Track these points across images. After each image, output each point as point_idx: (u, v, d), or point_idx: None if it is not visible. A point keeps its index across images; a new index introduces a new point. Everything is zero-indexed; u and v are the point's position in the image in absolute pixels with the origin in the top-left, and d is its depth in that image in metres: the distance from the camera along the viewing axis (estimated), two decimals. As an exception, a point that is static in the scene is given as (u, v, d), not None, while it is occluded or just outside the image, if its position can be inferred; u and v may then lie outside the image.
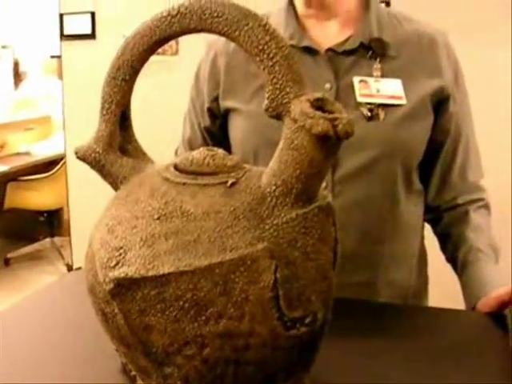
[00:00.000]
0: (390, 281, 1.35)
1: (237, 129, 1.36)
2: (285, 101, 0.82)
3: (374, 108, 1.27)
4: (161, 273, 0.77)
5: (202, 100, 1.40)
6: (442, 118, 1.34)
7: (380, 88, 1.28)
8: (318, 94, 0.83)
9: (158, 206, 0.82)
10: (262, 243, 0.79)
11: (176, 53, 2.87)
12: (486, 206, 1.41)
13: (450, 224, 1.40)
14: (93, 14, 2.91)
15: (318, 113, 0.79)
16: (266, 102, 0.83)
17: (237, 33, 0.84)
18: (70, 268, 4.47)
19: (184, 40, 2.86)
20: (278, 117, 0.83)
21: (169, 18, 0.89)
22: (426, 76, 1.31)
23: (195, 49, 2.85)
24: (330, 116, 0.79)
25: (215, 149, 0.90)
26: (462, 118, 1.37)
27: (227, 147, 1.39)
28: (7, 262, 4.87)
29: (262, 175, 0.85)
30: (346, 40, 1.31)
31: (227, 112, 1.37)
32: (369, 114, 1.27)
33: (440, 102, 1.32)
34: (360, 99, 1.28)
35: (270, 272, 0.78)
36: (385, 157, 1.27)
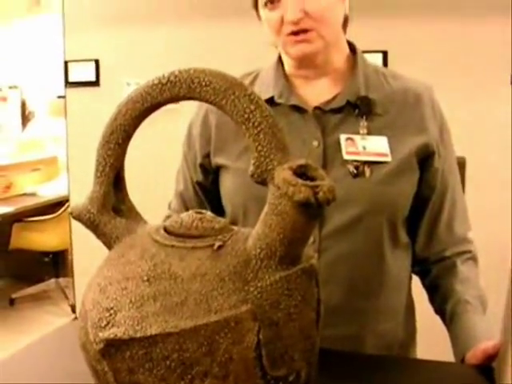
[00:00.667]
0: (377, 333, 1.37)
1: (226, 185, 1.39)
2: (269, 167, 0.86)
3: (360, 165, 1.30)
4: (148, 334, 0.80)
5: (195, 156, 1.44)
6: (427, 174, 1.37)
7: (366, 145, 1.31)
8: (301, 161, 0.86)
9: (148, 267, 0.86)
10: (246, 305, 0.82)
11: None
12: (474, 258, 1.44)
13: (439, 276, 1.42)
14: (97, 62, 2.98)
15: (300, 181, 0.82)
16: (251, 167, 0.87)
17: (224, 101, 0.88)
18: (74, 309, 4.49)
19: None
20: (263, 182, 0.87)
21: (159, 85, 0.93)
22: (411, 133, 1.34)
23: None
24: (312, 184, 0.82)
25: (204, 211, 0.94)
26: (447, 172, 1.40)
27: (219, 201, 1.43)
28: (12, 302, 4.90)
29: (248, 238, 0.88)
30: (334, 98, 1.35)
31: (218, 168, 1.41)
32: (355, 171, 1.30)
33: (425, 158, 1.35)
34: (346, 157, 1.31)
35: (253, 333, 0.81)
36: (371, 213, 1.30)
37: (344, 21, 1.37)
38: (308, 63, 1.35)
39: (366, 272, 1.33)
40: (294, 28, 1.27)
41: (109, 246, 0.99)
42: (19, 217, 4.67)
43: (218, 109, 0.90)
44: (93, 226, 0.99)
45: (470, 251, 1.43)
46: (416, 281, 1.48)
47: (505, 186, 2.51)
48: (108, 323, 0.83)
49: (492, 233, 2.13)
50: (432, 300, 1.44)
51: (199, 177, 1.45)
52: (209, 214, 0.93)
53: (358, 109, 1.33)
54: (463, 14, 2.59)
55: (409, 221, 1.39)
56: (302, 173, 0.86)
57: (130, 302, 0.83)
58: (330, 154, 1.31)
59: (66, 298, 4.78)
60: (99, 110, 3.01)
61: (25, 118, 6.18)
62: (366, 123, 1.33)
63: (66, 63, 3.00)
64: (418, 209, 1.38)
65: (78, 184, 3.13)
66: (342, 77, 1.37)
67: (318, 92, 1.36)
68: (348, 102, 1.33)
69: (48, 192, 4.96)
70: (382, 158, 1.31)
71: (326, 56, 1.34)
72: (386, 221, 1.32)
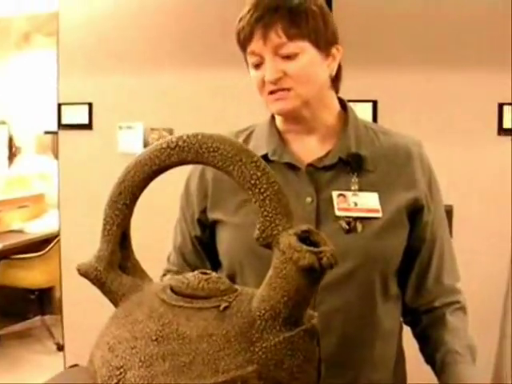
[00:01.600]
0: (372, 382, 1.40)
1: (223, 240, 1.43)
2: (274, 232, 0.90)
3: (352, 221, 1.34)
4: (158, 394, 0.83)
5: (193, 211, 1.47)
6: (417, 227, 1.41)
7: (357, 202, 1.35)
8: (304, 227, 0.91)
9: (156, 327, 0.89)
10: (252, 366, 0.85)
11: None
12: (462, 308, 1.47)
13: (428, 327, 1.45)
14: (90, 105, 3.02)
15: (305, 247, 0.86)
16: (256, 232, 0.91)
17: (231, 167, 0.92)
18: (59, 347, 4.47)
19: (178, 133, 2.97)
20: (268, 246, 0.91)
21: (168, 149, 0.96)
22: (401, 189, 1.39)
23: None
24: (316, 250, 0.86)
25: (209, 272, 0.97)
26: (436, 225, 1.44)
27: (217, 255, 1.46)
28: (-3, 339, 4.87)
29: (253, 299, 0.92)
30: (326, 155, 1.39)
31: (214, 223, 1.44)
32: (347, 226, 1.34)
33: (415, 212, 1.40)
34: (338, 213, 1.35)
35: (258, 393, 0.84)
36: (364, 267, 1.34)
37: (335, 79, 1.42)
38: (293, 119, 1.40)
39: (359, 323, 1.36)
40: (274, 87, 1.33)
41: (115, 303, 1.01)
42: (6, 254, 4.66)
43: (225, 174, 0.94)
44: (99, 283, 1.01)
45: (458, 301, 1.47)
46: (408, 330, 1.51)
47: (491, 235, 2.57)
48: (118, 382, 0.86)
49: (481, 277, 2.17)
50: (422, 350, 1.48)
51: (197, 231, 1.47)
52: (214, 274, 0.97)
53: (350, 165, 1.38)
54: (452, 65, 2.66)
55: (398, 272, 1.42)
56: (305, 237, 0.90)
57: (140, 361, 0.86)
58: (322, 210, 1.35)
59: (52, 336, 4.76)
60: (91, 153, 3.05)
61: (11, 154, 6.18)
62: (357, 179, 1.37)
63: (59, 106, 3.04)
64: (408, 261, 1.42)
65: (68, 223, 3.14)
66: (333, 133, 1.41)
67: (310, 148, 1.41)
68: (340, 159, 1.38)
69: (35, 229, 4.96)
70: (373, 214, 1.35)
71: (312, 112, 1.38)
72: (378, 274, 1.36)
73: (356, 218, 1.34)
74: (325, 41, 1.34)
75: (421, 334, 1.48)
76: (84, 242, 3.11)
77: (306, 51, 1.32)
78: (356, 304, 1.34)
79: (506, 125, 2.60)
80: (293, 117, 1.38)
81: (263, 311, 0.89)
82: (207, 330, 0.87)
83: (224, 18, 2.87)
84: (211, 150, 0.93)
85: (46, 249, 4.67)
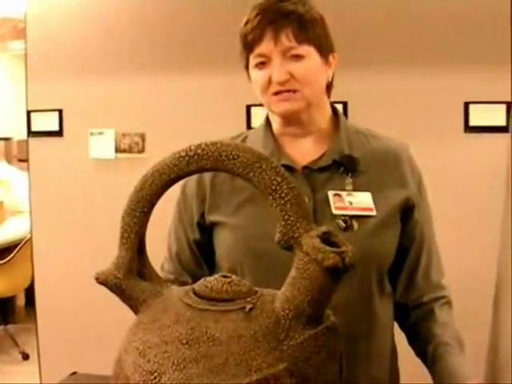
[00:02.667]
0: (369, 376, 1.45)
1: (222, 241, 1.46)
2: (296, 235, 0.94)
3: (348, 219, 1.40)
4: (195, 394, 0.86)
5: (191, 215, 1.49)
6: (408, 225, 1.47)
7: (352, 201, 1.41)
8: (324, 229, 0.95)
9: (185, 331, 0.92)
10: (283, 363, 0.89)
11: (142, 151, 2.98)
12: (449, 303, 1.54)
13: (418, 321, 1.51)
14: (60, 112, 3.01)
15: (328, 248, 0.90)
16: (277, 235, 0.95)
17: (251, 174, 0.96)
18: (25, 356, 4.44)
19: (150, 138, 2.99)
20: (289, 248, 0.95)
21: (186, 158, 0.99)
22: (393, 188, 1.45)
23: (161, 147, 2.99)
24: (338, 250, 0.91)
25: (229, 275, 1.01)
26: (424, 224, 1.50)
27: (213, 258, 1.49)
28: (-41, 350, 4.79)
29: (275, 299, 0.95)
30: (320, 157, 1.44)
31: (212, 225, 1.47)
32: (344, 225, 1.39)
33: (406, 211, 1.46)
34: (335, 212, 1.40)
35: (290, 389, 0.88)
36: (361, 264, 1.37)
37: (328, 87, 1.47)
38: (293, 121, 1.44)
39: (358, 319, 1.41)
40: (280, 88, 1.38)
41: (135, 310, 1.04)
42: (-35, 264, 4.58)
43: (245, 181, 0.97)
44: (119, 290, 1.03)
45: (445, 296, 1.53)
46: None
47: (459, 231, 2.66)
48: (153, 386, 0.89)
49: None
50: (412, 343, 1.53)
51: (197, 235, 1.49)
52: (234, 277, 1.00)
53: (344, 167, 1.43)
54: (421, 66, 2.73)
55: (389, 270, 1.48)
56: (325, 239, 0.94)
57: (173, 364, 0.89)
58: (319, 210, 1.39)
59: (17, 345, 4.70)
60: (62, 160, 3.04)
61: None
62: (351, 180, 1.43)
63: (28, 113, 3.02)
64: (398, 258, 1.48)
65: (40, 230, 3.12)
66: (325, 136, 1.47)
67: (305, 151, 1.45)
68: (334, 161, 1.43)
69: (-6, 238, 4.89)
70: (367, 213, 1.41)
71: (310, 115, 1.44)
72: (374, 271, 1.41)
73: (352, 217, 1.39)
74: (326, 47, 1.42)
75: (410, 329, 1.53)
76: (56, 248, 3.12)
77: (312, 55, 1.38)
78: (354, 301, 1.39)
79: (472, 122, 2.70)
80: (293, 118, 1.43)
81: (287, 311, 0.93)
82: (236, 331, 0.91)
83: (196, 23, 2.91)
84: (231, 157, 0.96)
85: (8, 257, 4.61)
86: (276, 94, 1.38)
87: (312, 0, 1.43)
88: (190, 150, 0.99)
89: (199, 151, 0.98)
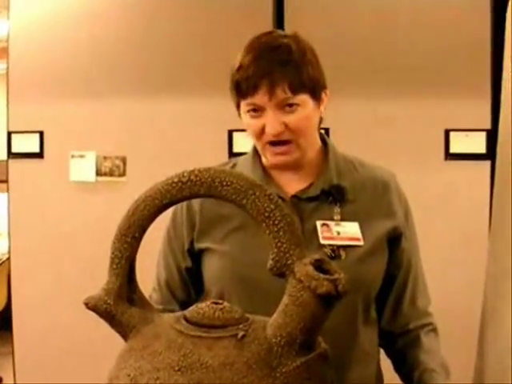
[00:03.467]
0: None
1: (211, 268, 1.45)
2: (289, 262, 0.94)
3: (336, 249, 1.40)
4: (186, 422, 0.86)
5: (182, 242, 1.48)
6: (395, 254, 1.48)
7: (340, 231, 1.41)
8: (317, 256, 0.95)
9: (177, 358, 0.91)
10: (275, 391, 0.89)
11: (123, 174, 2.98)
12: (434, 330, 1.55)
13: (404, 348, 1.52)
14: (41, 134, 2.99)
15: (322, 275, 0.91)
16: (270, 262, 0.95)
17: (244, 201, 0.96)
18: (-1, 380, 4.38)
19: (131, 162, 2.99)
20: (282, 275, 0.95)
21: (179, 184, 0.99)
22: (381, 218, 1.45)
23: (142, 170, 3.00)
24: (332, 277, 0.91)
25: (220, 301, 1.01)
26: (411, 252, 1.52)
27: (201, 285, 1.48)
28: None
29: (266, 326, 0.95)
30: (309, 187, 1.44)
31: (201, 252, 1.47)
32: (332, 254, 1.40)
33: (393, 240, 1.47)
34: (323, 241, 1.40)
35: (283, 417, 0.88)
36: (348, 292, 1.39)
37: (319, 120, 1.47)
38: (286, 165, 1.44)
39: (341, 347, 1.41)
40: (274, 139, 1.37)
41: (125, 336, 1.03)
42: None
43: (238, 207, 0.97)
44: (109, 316, 1.03)
45: (431, 323, 1.54)
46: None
47: (439, 258, 2.68)
48: (144, 413, 0.88)
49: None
50: (398, 370, 1.54)
51: (188, 263, 1.48)
52: (226, 304, 1.00)
53: (332, 196, 1.44)
54: (402, 94, 2.77)
55: (375, 297, 1.48)
56: (318, 266, 0.95)
57: (165, 391, 0.88)
58: (307, 239, 1.39)
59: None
60: (43, 182, 3.02)
61: None
62: (339, 209, 1.43)
63: (9, 134, 3.00)
64: (384, 285, 1.48)
65: (19, 253, 3.09)
66: (315, 167, 1.47)
67: (293, 181, 1.45)
68: (322, 190, 1.43)
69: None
70: (355, 242, 1.41)
71: (303, 154, 1.43)
72: (361, 299, 1.42)
73: (339, 246, 1.39)
74: (319, 88, 1.40)
75: (396, 355, 1.54)
76: (34, 271, 3.09)
77: (306, 103, 1.37)
78: (340, 328, 1.39)
79: (453, 150, 2.73)
80: (286, 166, 1.43)
81: (279, 338, 0.93)
82: (228, 358, 0.91)
83: (178, 47, 2.92)
84: (224, 184, 0.97)
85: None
86: (270, 144, 1.38)
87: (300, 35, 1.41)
88: (183, 176, 0.99)
89: (192, 177, 0.99)
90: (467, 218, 2.72)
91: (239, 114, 1.44)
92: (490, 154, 2.64)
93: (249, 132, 1.41)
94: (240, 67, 1.36)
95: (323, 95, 1.43)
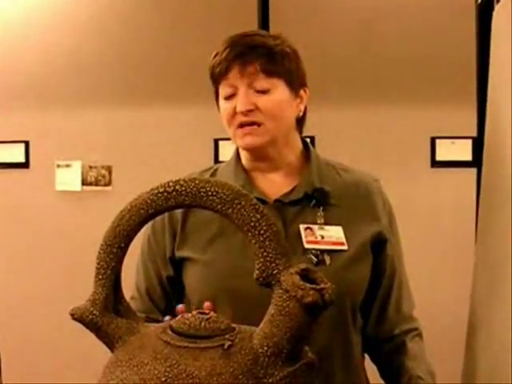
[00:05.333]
0: None
1: (193, 277, 1.43)
2: (275, 272, 0.94)
3: (320, 254, 1.40)
4: (172, 434, 0.85)
5: (163, 250, 1.46)
6: (379, 259, 1.47)
7: (324, 235, 1.41)
8: (303, 265, 0.95)
9: (164, 369, 0.91)
10: (262, 401, 0.89)
11: (109, 183, 2.97)
12: (420, 335, 1.54)
13: (390, 354, 1.51)
14: (27, 143, 2.98)
15: (308, 285, 0.91)
16: (256, 272, 0.95)
17: (230, 210, 0.96)
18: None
19: (117, 171, 2.98)
20: (268, 285, 0.95)
21: (165, 194, 0.99)
22: (365, 222, 1.45)
23: (128, 180, 2.99)
24: (318, 287, 0.91)
25: (207, 311, 1.00)
26: (395, 257, 1.51)
27: (180, 293, 1.46)
28: None
29: (253, 336, 0.95)
30: (291, 191, 1.44)
31: (182, 261, 1.45)
32: (315, 259, 1.40)
33: (377, 245, 1.46)
34: (306, 246, 1.40)
35: (269, 428, 0.88)
36: (335, 299, 1.38)
37: (299, 121, 1.47)
38: (259, 156, 1.44)
39: (334, 354, 1.40)
40: (244, 119, 1.37)
41: (111, 347, 1.02)
42: None
43: (224, 217, 0.97)
44: (95, 327, 1.02)
45: (416, 328, 1.53)
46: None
47: (423, 266, 2.68)
48: (131, 425, 0.88)
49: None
50: (384, 376, 1.53)
51: (169, 271, 1.46)
52: (212, 314, 1.00)
53: (315, 200, 1.43)
54: (388, 102, 2.78)
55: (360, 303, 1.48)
56: (304, 275, 0.94)
57: (152, 403, 0.88)
58: (291, 244, 1.38)
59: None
60: (28, 192, 3.00)
61: None
62: (322, 213, 1.43)
63: (-6, 144, 3.00)
64: (369, 291, 1.48)
65: (4, 265, 3.07)
66: (296, 171, 1.47)
67: (275, 185, 1.45)
68: (305, 194, 1.43)
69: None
70: (339, 247, 1.41)
71: (277, 150, 1.43)
72: (348, 306, 1.41)
73: (323, 251, 1.39)
74: (296, 81, 1.41)
75: (382, 361, 1.53)
76: (19, 281, 3.06)
77: (279, 88, 1.38)
78: (330, 336, 1.38)
79: (439, 157, 2.74)
80: (260, 152, 1.43)
81: (266, 348, 0.93)
82: (215, 369, 0.91)
83: (163, 55, 2.92)
84: (209, 193, 0.97)
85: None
86: (241, 126, 1.38)
87: (283, 36, 1.43)
88: (169, 186, 0.99)
89: (177, 187, 0.99)
90: (453, 224, 2.73)
91: (219, 109, 1.44)
92: (476, 161, 2.65)
93: (223, 120, 1.41)
94: (216, 54, 1.39)
95: (302, 92, 1.43)
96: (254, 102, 1.36)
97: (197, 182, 0.98)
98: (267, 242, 0.95)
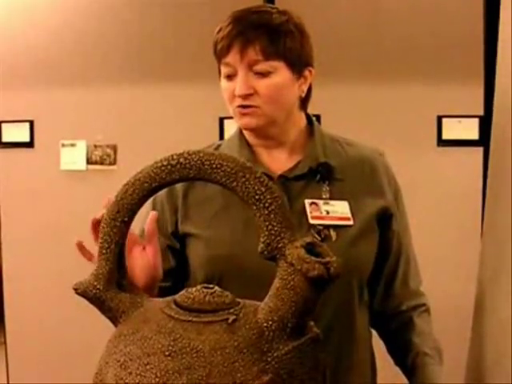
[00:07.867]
0: None
1: (197, 254, 1.42)
2: (280, 245, 0.93)
3: (325, 230, 1.39)
4: (177, 407, 0.85)
5: (165, 226, 1.44)
6: (385, 235, 1.47)
7: (329, 210, 1.40)
8: (308, 239, 0.94)
9: (168, 343, 0.90)
10: (267, 375, 0.88)
11: (114, 162, 2.96)
12: (427, 310, 1.54)
13: (397, 330, 1.51)
14: (31, 123, 2.98)
15: (313, 258, 0.90)
16: (261, 245, 0.94)
17: (234, 183, 0.95)
18: None
19: (122, 150, 2.97)
20: (273, 259, 0.94)
21: (169, 167, 0.98)
22: (370, 197, 1.44)
23: (133, 159, 2.98)
24: (324, 260, 0.90)
25: (211, 286, 0.99)
26: (402, 232, 1.50)
27: (187, 266, 1.45)
28: None
29: (257, 310, 0.94)
30: (296, 165, 1.43)
31: (185, 236, 1.44)
32: (321, 235, 1.38)
33: (383, 220, 1.45)
34: (312, 221, 1.39)
35: (274, 401, 0.87)
36: (342, 274, 1.38)
37: (305, 99, 1.46)
38: (260, 134, 1.43)
39: (340, 329, 1.40)
40: (242, 102, 1.36)
41: (115, 321, 1.02)
42: None
43: (229, 190, 0.96)
44: (99, 301, 1.02)
45: (423, 304, 1.53)
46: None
47: (431, 244, 2.67)
48: (135, 398, 0.87)
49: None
50: (391, 352, 1.53)
51: (175, 244, 1.46)
52: (217, 288, 0.99)
53: (320, 174, 1.42)
54: (394, 80, 2.76)
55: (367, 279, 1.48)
56: (309, 249, 0.93)
57: (156, 376, 0.87)
58: (296, 219, 1.37)
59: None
60: (33, 171, 3.00)
61: None
62: (328, 188, 1.42)
63: (-1, 123, 2.99)
64: (376, 267, 1.47)
65: (10, 242, 3.07)
66: (300, 146, 1.46)
67: (279, 161, 1.44)
68: (310, 169, 1.42)
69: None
70: (344, 222, 1.40)
71: (279, 128, 1.42)
72: (355, 281, 1.41)
73: (329, 227, 1.38)
74: (299, 62, 1.38)
75: (389, 337, 1.53)
76: (26, 260, 3.07)
77: (280, 71, 1.36)
78: (336, 312, 1.38)
79: (445, 136, 2.72)
80: (259, 132, 1.42)
81: (271, 322, 0.92)
82: (219, 343, 0.90)
83: (170, 34, 2.90)
84: (214, 166, 0.95)
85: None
86: (239, 107, 1.37)
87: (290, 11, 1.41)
88: (173, 159, 0.98)
89: (182, 160, 0.97)
90: (460, 204, 2.71)
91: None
92: (483, 140, 2.64)
93: (224, 97, 1.40)
94: (219, 29, 1.37)
95: (306, 72, 1.41)
96: (253, 85, 1.35)
97: (201, 154, 0.96)
98: (272, 215, 0.93)
